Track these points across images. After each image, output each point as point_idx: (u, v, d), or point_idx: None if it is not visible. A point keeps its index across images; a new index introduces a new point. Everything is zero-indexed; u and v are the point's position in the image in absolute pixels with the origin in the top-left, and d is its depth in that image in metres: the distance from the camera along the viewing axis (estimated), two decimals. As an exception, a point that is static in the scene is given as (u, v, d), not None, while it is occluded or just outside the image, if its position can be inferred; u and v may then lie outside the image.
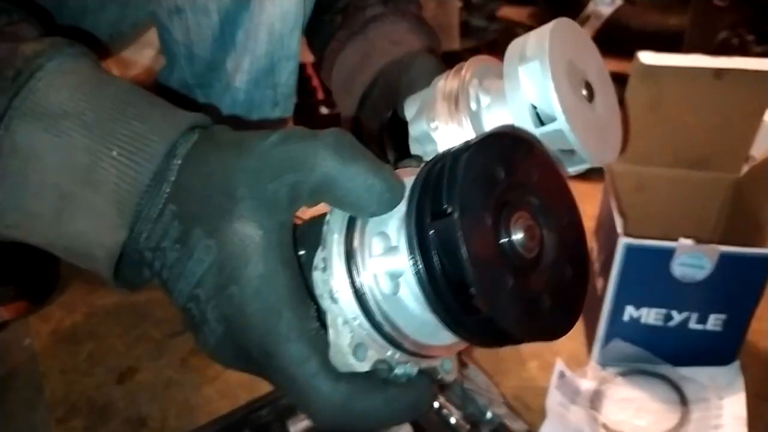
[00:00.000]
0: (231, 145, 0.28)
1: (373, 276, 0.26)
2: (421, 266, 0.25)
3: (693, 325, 0.57)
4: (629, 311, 0.58)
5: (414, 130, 0.36)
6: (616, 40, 1.30)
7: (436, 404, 0.53)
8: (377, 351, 0.27)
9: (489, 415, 0.52)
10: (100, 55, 0.70)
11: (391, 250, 0.26)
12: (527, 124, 0.31)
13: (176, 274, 0.27)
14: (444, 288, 0.25)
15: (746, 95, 0.58)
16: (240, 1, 0.56)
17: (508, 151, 0.27)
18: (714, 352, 0.58)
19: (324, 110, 1.01)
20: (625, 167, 0.63)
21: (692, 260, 0.53)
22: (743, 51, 0.89)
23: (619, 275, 0.56)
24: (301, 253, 0.28)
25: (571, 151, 0.32)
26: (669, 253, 0.54)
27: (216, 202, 0.26)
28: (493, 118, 0.34)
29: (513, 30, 1.46)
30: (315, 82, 1.06)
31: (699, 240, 0.54)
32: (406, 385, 0.28)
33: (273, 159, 0.26)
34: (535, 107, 0.31)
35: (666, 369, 0.59)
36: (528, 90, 0.31)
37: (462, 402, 0.53)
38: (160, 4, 0.56)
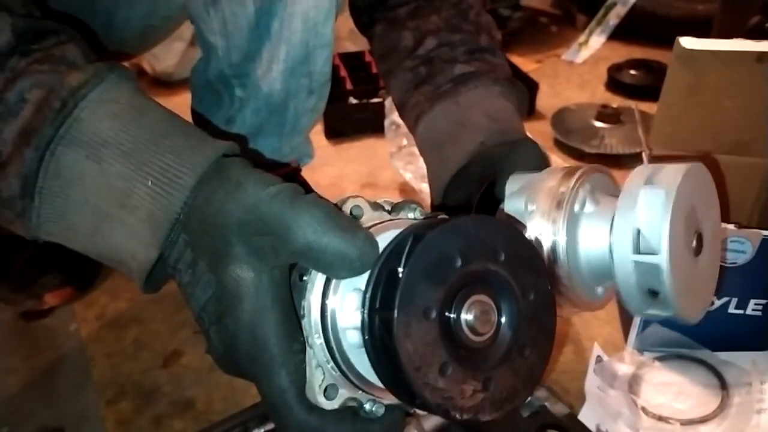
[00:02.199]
0: (234, 186, 0.30)
1: (343, 328, 0.29)
2: (370, 347, 0.28)
3: (732, 309, 0.57)
4: (668, 296, 0.58)
5: (509, 206, 0.37)
6: (642, 26, 1.30)
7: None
8: (348, 390, 0.30)
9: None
10: (129, 53, 0.71)
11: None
12: (626, 246, 0.31)
13: (189, 293, 0.31)
14: (387, 374, 0.28)
15: (787, 80, 0.57)
16: None
17: (473, 233, 0.28)
18: (753, 336, 0.58)
19: (353, 100, 1.01)
20: (664, 152, 0.63)
21: (734, 245, 0.53)
22: (777, 35, 0.87)
23: (658, 260, 0.56)
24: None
25: (655, 293, 0.31)
26: (710, 238, 0.54)
27: (215, 241, 0.30)
28: (591, 229, 0.34)
29: (536, 18, 1.45)
30: (343, 72, 1.06)
31: (739, 224, 0.54)
32: (374, 418, 0.31)
33: (260, 216, 0.29)
34: (639, 233, 0.31)
35: (705, 354, 0.59)
36: (642, 213, 0.30)
37: (502, 385, 0.54)
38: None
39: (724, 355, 0.58)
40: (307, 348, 0.29)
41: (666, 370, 0.59)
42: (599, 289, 0.36)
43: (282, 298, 0.30)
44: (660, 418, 0.54)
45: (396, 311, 0.26)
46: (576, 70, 1.25)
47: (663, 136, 0.62)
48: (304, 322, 0.30)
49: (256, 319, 0.29)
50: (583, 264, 0.34)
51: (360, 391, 0.30)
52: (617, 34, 1.34)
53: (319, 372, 0.29)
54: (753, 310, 0.57)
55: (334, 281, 0.29)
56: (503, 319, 0.29)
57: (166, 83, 1.12)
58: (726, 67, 0.57)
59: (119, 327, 0.66)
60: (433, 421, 0.51)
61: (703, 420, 0.53)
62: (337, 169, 0.93)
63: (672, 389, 0.57)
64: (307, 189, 0.84)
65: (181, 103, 0.60)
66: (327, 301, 0.29)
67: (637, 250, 0.31)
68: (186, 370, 0.62)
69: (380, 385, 0.29)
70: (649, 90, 1.07)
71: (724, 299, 0.57)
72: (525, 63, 1.23)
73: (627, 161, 0.94)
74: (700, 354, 0.59)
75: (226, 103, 0.64)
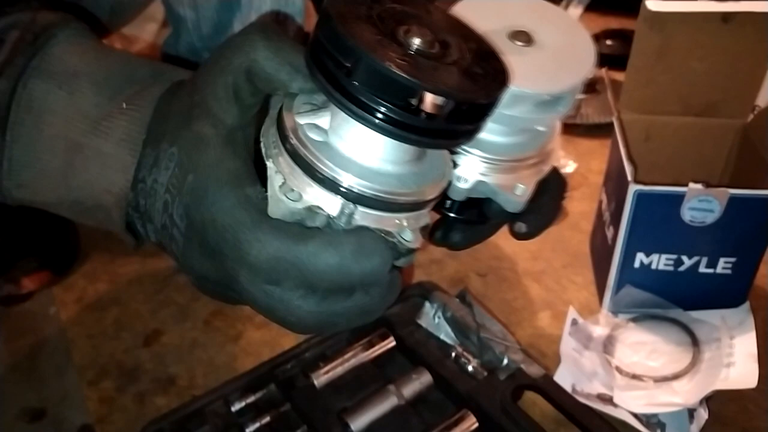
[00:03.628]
0: (197, 74, 0.30)
1: (302, 128, 0.27)
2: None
3: (703, 269, 0.58)
4: (640, 258, 0.59)
5: None
6: (619, -4, 1.30)
7: (453, 353, 0.55)
8: (313, 197, 0.27)
9: (505, 361, 0.53)
10: (101, 33, 0.70)
11: (317, 108, 0.28)
12: None
13: (152, 195, 0.30)
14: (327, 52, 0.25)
15: (755, 39, 0.58)
16: None
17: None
18: (724, 294, 0.59)
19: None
20: (634, 117, 0.64)
21: (702, 204, 0.54)
22: None
23: (629, 222, 0.57)
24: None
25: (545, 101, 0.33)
26: (679, 198, 0.54)
27: (178, 116, 0.29)
28: None
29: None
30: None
31: (708, 185, 0.55)
32: (347, 231, 0.28)
33: (219, 52, 0.29)
34: None
35: (677, 313, 0.60)
36: None
37: (479, 350, 0.55)
38: None
39: (695, 314, 0.59)
40: (268, 170, 0.28)
41: (639, 331, 0.60)
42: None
43: (243, 149, 0.29)
44: (634, 376, 0.55)
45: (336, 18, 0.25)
46: (553, 42, 1.25)
47: (632, 101, 0.63)
48: (263, 149, 0.28)
49: (217, 168, 0.28)
50: None
51: (324, 197, 0.28)
52: (593, 6, 1.34)
53: (278, 176, 0.28)
54: (723, 268, 0.58)
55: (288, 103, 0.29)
56: (448, 48, 0.27)
57: (141, 66, 1.10)
58: (693, 28, 0.57)
59: (99, 309, 0.66)
60: (412, 388, 0.52)
61: (676, 376, 0.54)
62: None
63: (645, 348, 0.58)
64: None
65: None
66: (281, 116, 0.28)
67: None
68: (167, 348, 0.62)
69: (351, 174, 0.27)
70: (624, 59, 1.07)
71: (695, 258, 0.58)
72: (502, 36, 1.22)
73: (604, 129, 0.94)
74: (673, 313, 0.60)
75: None
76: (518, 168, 0.36)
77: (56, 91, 0.31)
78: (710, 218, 0.55)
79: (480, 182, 0.35)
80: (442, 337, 0.56)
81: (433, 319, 0.57)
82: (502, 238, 0.76)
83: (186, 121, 0.29)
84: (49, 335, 0.64)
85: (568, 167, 0.86)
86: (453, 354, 0.55)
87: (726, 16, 0.56)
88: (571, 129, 0.95)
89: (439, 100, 0.25)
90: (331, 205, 0.27)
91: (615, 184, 0.61)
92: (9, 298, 0.66)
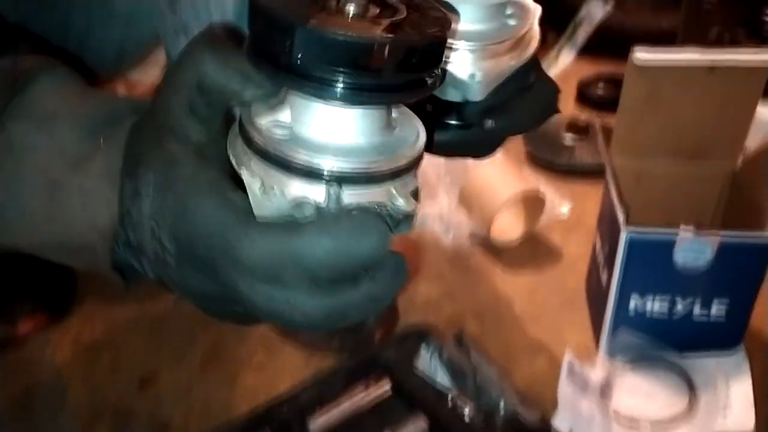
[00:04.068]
0: (154, 98, 0.31)
1: (265, 128, 0.27)
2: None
3: (697, 312, 0.59)
4: (634, 301, 0.59)
5: None
6: (610, 42, 1.33)
7: (450, 398, 0.55)
8: (295, 190, 0.27)
9: (502, 405, 0.53)
10: (103, 78, 0.72)
11: (275, 107, 0.28)
12: None
13: (139, 226, 0.29)
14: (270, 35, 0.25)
15: (740, 89, 0.60)
16: (243, 16, 0.58)
17: None
18: (719, 338, 0.59)
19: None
20: (625, 160, 0.65)
21: (694, 248, 0.55)
22: (735, 46, 0.91)
23: (623, 265, 0.57)
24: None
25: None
26: (671, 242, 0.55)
27: (148, 141, 0.29)
28: None
29: None
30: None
31: (700, 229, 0.55)
32: (338, 214, 0.27)
33: (170, 70, 0.29)
34: None
35: (673, 357, 0.60)
36: None
37: (475, 394, 0.55)
38: (164, 22, 0.58)
39: (691, 357, 0.59)
40: (244, 178, 0.27)
41: (636, 375, 0.60)
42: None
43: (216, 161, 0.29)
44: (631, 421, 0.55)
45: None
46: (547, 85, 1.28)
47: (623, 145, 0.64)
48: (232, 156, 0.28)
49: (193, 183, 0.28)
50: None
51: (307, 185, 0.27)
52: (586, 50, 1.37)
53: (256, 179, 0.27)
54: (717, 311, 0.58)
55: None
56: (384, 8, 0.27)
57: (143, 109, 1.13)
58: (680, 77, 0.59)
59: (94, 351, 0.66)
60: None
61: (672, 421, 0.54)
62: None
63: (642, 393, 0.58)
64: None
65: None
66: (243, 124, 0.28)
67: None
68: (162, 391, 0.62)
69: (327, 153, 0.26)
70: (617, 103, 1.10)
71: (689, 301, 0.58)
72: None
73: (597, 172, 0.96)
74: (669, 357, 0.60)
75: None
76: (480, 55, 0.35)
77: (35, 132, 0.31)
78: (702, 261, 0.56)
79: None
80: (439, 380, 0.56)
81: (429, 363, 0.57)
82: (498, 277, 0.77)
83: (156, 144, 0.29)
84: (43, 378, 0.64)
85: (563, 209, 0.88)
86: (449, 398, 0.55)
87: (711, 66, 0.58)
88: (565, 172, 0.96)
89: (387, 51, 0.24)
90: (316, 192, 0.27)
91: (608, 227, 0.62)
92: (4, 341, 0.66)
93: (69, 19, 0.59)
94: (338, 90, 0.25)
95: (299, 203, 0.27)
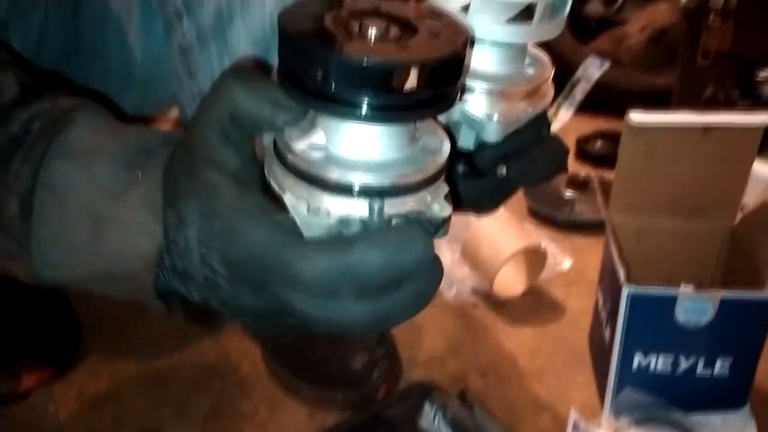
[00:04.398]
0: (187, 131, 0.32)
1: (303, 152, 0.29)
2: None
3: (701, 369, 0.59)
4: (638, 358, 0.59)
5: None
6: (607, 100, 1.37)
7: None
8: (339, 207, 0.28)
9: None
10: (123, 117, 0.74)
11: (307, 130, 0.29)
12: None
13: (187, 253, 0.30)
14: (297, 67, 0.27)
15: (734, 149, 0.62)
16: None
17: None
18: (724, 396, 0.59)
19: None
20: (625, 218, 0.66)
21: (695, 305, 0.55)
22: (729, 105, 0.94)
23: (625, 323, 0.58)
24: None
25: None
26: (672, 300, 0.56)
27: (185, 172, 0.31)
28: None
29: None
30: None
31: (700, 285, 0.56)
32: (384, 227, 0.28)
33: (202, 105, 0.31)
34: None
35: (679, 416, 0.60)
36: None
37: (480, 453, 0.54)
38: (182, 87, 0.60)
39: (697, 416, 0.59)
40: (287, 197, 0.29)
41: (642, 433, 0.59)
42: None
43: (254, 184, 0.30)
44: (638, 482, 0.54)
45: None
46: (547, 141, 1.31)
47: (622, 203, 0.66)
48: (272, 182, 0.30)
49: (238, 208, 0.29)
50: None
51: (347, 202, 0.28)
52: (584, 107, 1.41)
53: (302, 203, 0.28)
54: (720, 368, 0.58)
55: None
56: (404, 29, 0.29)
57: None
58: (675, 138, 0.61)
59: (98, 406, 0.66)
60: None
61: (680, 482, 0.53)
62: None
63: (648, 452, 0.58)
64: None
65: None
66: (279, 148, 0.30)
67: None
68: (164, 448, 0.61)
69: (362, 171, 0.28)
70: (614, 159, 1.12)
71: (692, 359, 0.58)
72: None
73: (598, 227, 0.97)
74: (675, 416, 0.60)
75: None
76: (498, 97, 0.36)
77: (75, 171, 0.32)
78: (704, 319, 0.56)
79: (457, 110, 0.35)
80: (443, 439, 0.56)
81: (433, 420, 0.57)
82: (501, 333, 0.77)
83: (193, 175, 0.30)
84: (46, 433, 0.64)
85: (565, 264, 0.88)
86: (453, 457, 0.54)
87: (706, 129, 0.60)
88: (566, 226, 0.98)
89: (411, 72, 0.26)
90: (359, 208, 0.28)
91: (609, 283, 0.62)
92: (7, 396, 0.66)
93: (88, 83, 0.61)
94: (369, 111, 0.27)
95: (344, 220, 0.28)
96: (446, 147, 0.31)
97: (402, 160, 0.29)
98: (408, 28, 0.29)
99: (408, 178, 0.29)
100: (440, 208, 0.29)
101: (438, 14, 0.30)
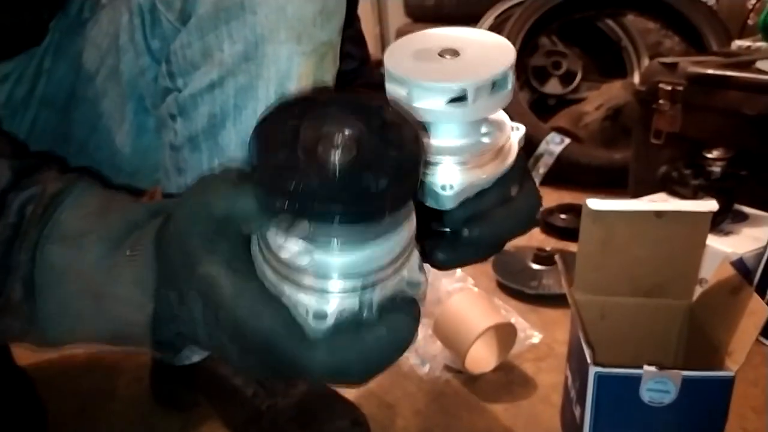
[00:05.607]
0: (174, 221, 0.34)
1: (291, 260, 0.31)
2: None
3: (669, 448, 0.60)
4: (608, 438, 0.60)
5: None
6: (569, 173, 1.44)
7: None
8: (336, 306, 0.31)
9: None
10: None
11: (290, 229, 0.31)
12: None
13: (191, 325, 0.33)
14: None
15: (687, 231, 0.65)
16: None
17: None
18: (691, 474, 0.60)
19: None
20: (588, 297, 0.69)
21: (658, 385, 0.57)
22: (682, 183, 0.99)
23: (593, 403, 0.59)
24: None
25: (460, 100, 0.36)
26: (637, 380, 0.58)
27: (179, 261, 0.33)
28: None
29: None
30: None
31: (663, 363, 0.58)
32: (376, 320, 0.31)
33: (192, 209, 0.33)
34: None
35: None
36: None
37: None
38: (169, 180, 0.62)
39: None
40: (285, 301, 0.31)
41: None
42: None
43: (251, 273, 0.32)
44: None
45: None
46: (514, 214, 1.35)
47: (585, 283, 0.68)
48: (267, 284, 0.32)
49: (239, 299, 0.31)
50: None
51: (341, 296, 0.31)
52: (548, 181, 1.47)
53: (300, 307, 0.31)
54: (687, 448, 0.60)
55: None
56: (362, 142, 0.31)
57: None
58: (631, 222, 0.65)
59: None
60: None
61: None
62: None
63: None
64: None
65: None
66: (266, 247, 0.32)
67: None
68: None
69: (343, 263, 0.30)
70: (578, 232, 1.16)
71: (658, 439, 0.60)
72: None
73: (564, 300, 0.99)
74: (646, 496, 0.60)
75: None
76: (454, 167, 0.38)
77: (68, 252, 0.35)
78: (667, 399, 0.58)
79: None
80: None
81: None
82: (475, 410, 0.77)
83: (189, 266, 0.32)
84: None
85: (534, 338, 0.90)
86: None
87: (659, 213, 0.64)
88: (533, 299, 1.00)
89: (380, 180, 0.30)
90: (353, 304, 0.31)
91: (577, 363, 0.64)
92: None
93: (76, 165, 0.62)
94: (339, 220, 0.30)
95: (341, 316, 0.31)
96: (412, 218, 0.33)
97: (381, 247, 0.32)
98: (366, 140, 0.31)
99: (390, 264, 0.32)
100: (420, 279, 0.33)
101: (399, 122, 0.33)
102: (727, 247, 0.87)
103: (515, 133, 0.41)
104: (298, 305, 0.31)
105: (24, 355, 0.80)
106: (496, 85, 0.37)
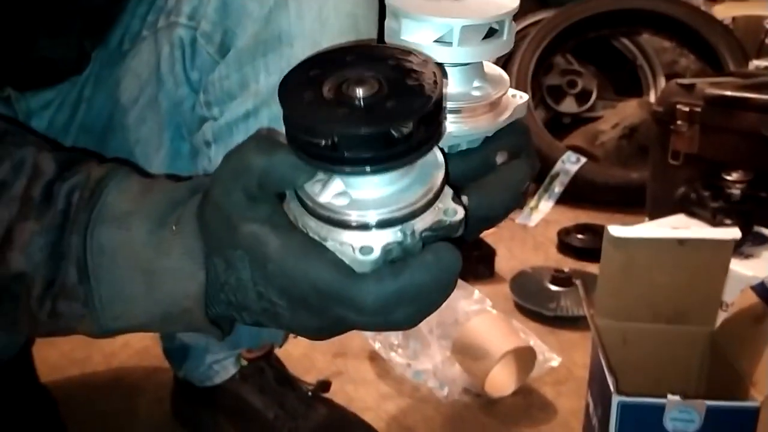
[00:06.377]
0: (214, 187, 0.36)
1: (330, 204, 0.32)
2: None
3: (692, 478, 0.59)
4: (631, 466, 0.60)
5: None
6: (585, 192, 1.43)
7: None
8: (380, 240, 0.32)
9: None
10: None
11: (327, 181, 0.33)
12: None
13: (241, 290, 0.34)
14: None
15: (709, 257, 0.65)
16: None
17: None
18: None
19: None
20: (609, 323, 0.69)
21: (683, 415, 0.57)
22: (701, 205, 0.98)
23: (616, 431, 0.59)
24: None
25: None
26: (661, 409, 0.57)
27: (222, 226, 0.34)
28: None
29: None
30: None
31: (686, 390, 0.58)
32: (421, 250, 0.32)
33: (229, 175, 0.34)
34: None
35: None
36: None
37: None
38: None
39: None
40: (331, 245, 0.32)
41: None
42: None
43: (293, 227, 0.33)
44: None
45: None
46: (530, 232, 1.35)
47: (605, 309, 0.68)
48: (310, 233, 0.33)
49: (286, 249, 0.32)
50: None
51: (383, 234, 0.32)
52: (564, 199, 1.46)
53: (346, 247, 0.32)
54: (711, 478, 0.59)
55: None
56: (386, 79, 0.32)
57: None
58: (653, 249, 0.65)
59: None
60: None
61: None
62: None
63: None
64: (281, 368, 0.84)
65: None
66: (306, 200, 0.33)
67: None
68: None
69: (383, 204, 0.32)
70: (595, 252, 1.16)
71: (683, 468, 0.59)
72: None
73: (584, 321, 0.99)
74: None
75: None
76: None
77: (117, 232, 0.37)
78: (692, 428, 0.57)
79: None
80: None
81: None
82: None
83: (233, 229, 0.33)
84: None
85: (554, 362, 0.90)
86: None
87: (681, 240, 0.64)
88: (551, 321, 1.00)
89: (405, 126, 0.31)
90: (396, 236, 0.32)
91: (599, 389, 0.64)
92: None
93: None
94: (380, 165, 0.31)
95: (386, 249, 0.32)
96: (440, 157, 0.35)
97: (415, 183, 0.33)
98: (388, 77, 0.33)
99: (425, 198, 0.33)
100: (456, 211, 0.34)
101: (419, 58, 0.34)
102: (748, 270, 0.87)
103: (517, 100, 0.39)
104: (343, 245, 0.32)
105: (46, 372, 0.81)
106: (490, 31, 0.37)
